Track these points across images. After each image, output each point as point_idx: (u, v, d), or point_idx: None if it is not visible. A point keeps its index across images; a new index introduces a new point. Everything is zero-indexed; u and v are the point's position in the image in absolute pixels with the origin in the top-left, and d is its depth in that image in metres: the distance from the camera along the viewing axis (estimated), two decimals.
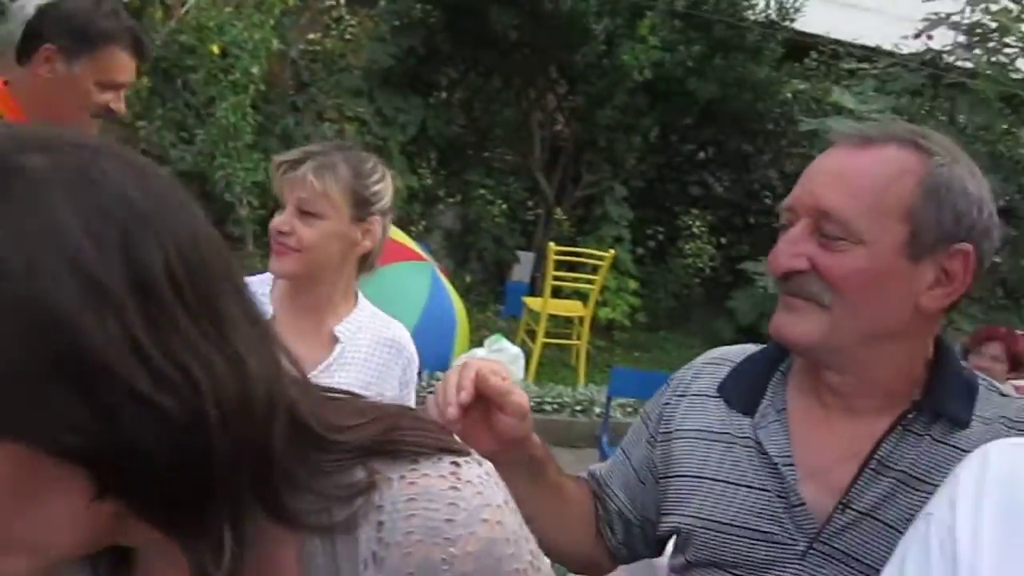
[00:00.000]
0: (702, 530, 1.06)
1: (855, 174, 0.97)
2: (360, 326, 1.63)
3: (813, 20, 7.63)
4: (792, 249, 0.98)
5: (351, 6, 7.22)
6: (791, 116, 7.86)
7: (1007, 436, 0.97)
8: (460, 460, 0.62)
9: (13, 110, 1.85)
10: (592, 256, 6.44)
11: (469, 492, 0.60)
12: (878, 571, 0.88)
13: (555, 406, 5.42)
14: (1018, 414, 1.00)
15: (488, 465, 0.65)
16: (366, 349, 1.62)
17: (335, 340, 1.60)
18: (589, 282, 6.33)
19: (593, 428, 5.17)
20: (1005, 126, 6.79)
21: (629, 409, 5.46)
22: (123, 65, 1.81)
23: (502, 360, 5.76)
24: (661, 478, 1.14)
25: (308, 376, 1.52)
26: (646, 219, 7.92)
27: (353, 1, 7.21)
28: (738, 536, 1.03)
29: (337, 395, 0.68)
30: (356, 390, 1.58)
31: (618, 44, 6.81)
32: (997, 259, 7.44)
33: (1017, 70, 6.70)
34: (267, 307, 1.60)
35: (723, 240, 8.14)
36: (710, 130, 8.07)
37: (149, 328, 0.49)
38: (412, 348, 1.72)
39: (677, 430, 1.14)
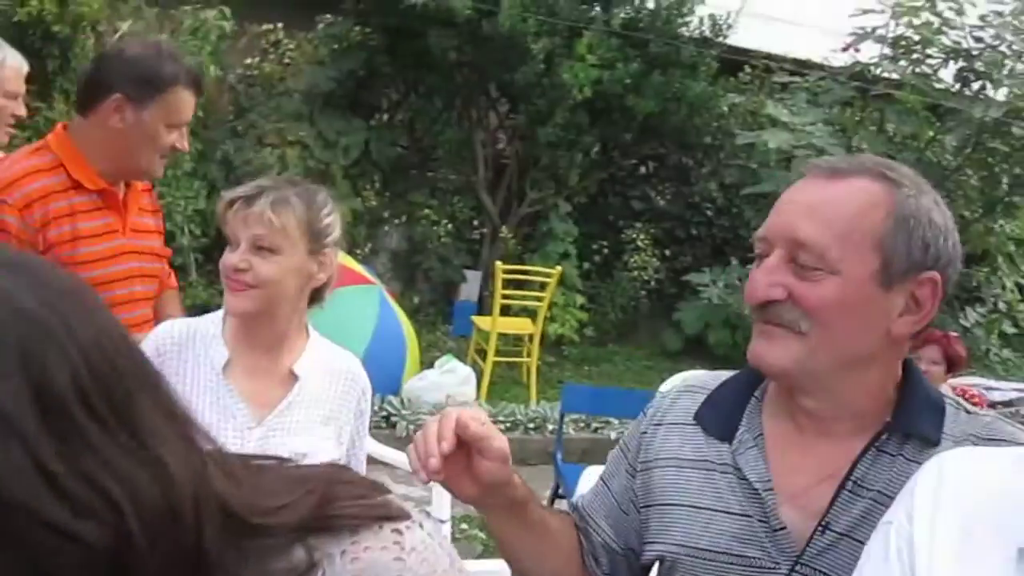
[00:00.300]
0: (687, 557, 1.07)
1: (828, 205, 1.00)
2: (315, 360, 1.62)
3: (745, 35, 7.82)
4: (769, 279, 1.00)
5: (288, 30, 7.18)
6: (728, 129, 8.03)
7: None
8: (402, 527, 0.60)
9: (70, 153, 1.87)
10: (539, 273, 6.48)
11: (415, 560, 0.59)
12: None
13: (508, 424, 5.42)
14: (984, 431, 1.04)
15: (429, 525, 0.63)
16: (322, 383, 1.61)
17: (295, 378, 1.59)
18: (537, 299, 6.36)
19: (547, 445, 5.18)
20: (931, 133, 7.03)
21: (582, 424, 5.50)
22: (188, 104, 1.88)
23: (453, 381, 5.77)
24: (642, 507, 1.15)
25: (267, 418, 1.48)
26: (591, 234, 8.00)
27: (291, 25, 7.18)
28: (722, 562, 1.05)
29: (264, 462, 0.65)
30: (315, 426, 1.56)
31: (557, 63, 6.88)
32: None
33: (940, 80, 6.96)
34: (222, 348, 1.58)
35: (667, 252, 8.25)
36: (650, 145, 8.19)
37: (59, 452, 0.45)
38: (365, 378, 1.71)
39: (656, 459, 1.15)
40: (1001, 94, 6.75)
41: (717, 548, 1.05)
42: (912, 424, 1.03)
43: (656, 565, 1.14)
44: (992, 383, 7.58)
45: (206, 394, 1.54)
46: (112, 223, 1.93)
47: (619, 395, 5.19)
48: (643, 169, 8.60)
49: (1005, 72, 6.64)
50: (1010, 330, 8.70)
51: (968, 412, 1.07)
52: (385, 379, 5.36)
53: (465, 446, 0.99)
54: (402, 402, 5.34)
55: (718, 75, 7.79)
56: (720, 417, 1.12)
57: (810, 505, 1.02)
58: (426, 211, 7.65)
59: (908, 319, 1.01)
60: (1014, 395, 7.62)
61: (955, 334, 4.14)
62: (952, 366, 3.93)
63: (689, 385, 1.20)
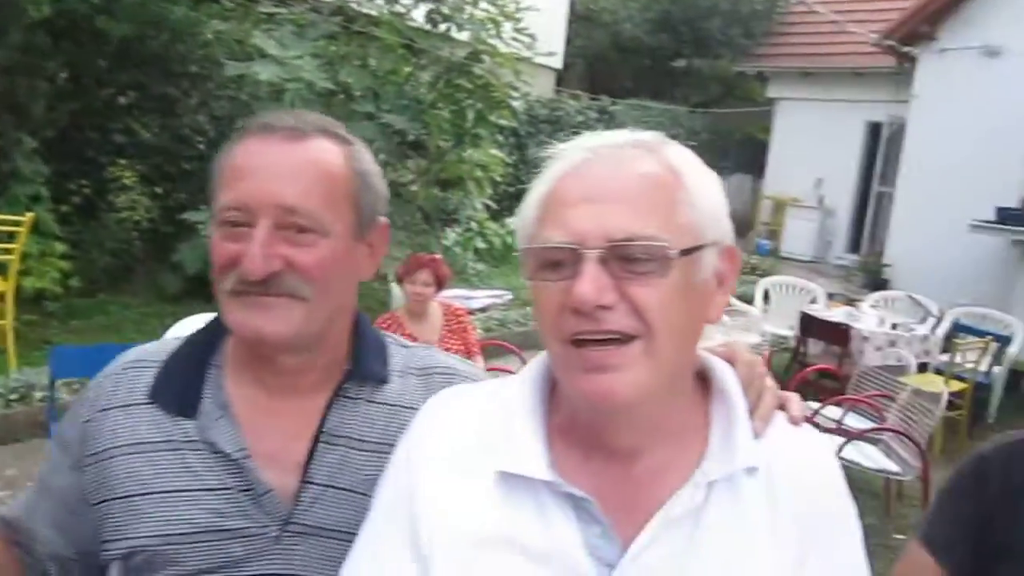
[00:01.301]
0: (167, 547, 1.00)
1: (305, 168, 1.00)
2: None
3: None
4: (266, 252, 0.97)
5: None
6: (215, 59, 7.70)
7: (421, 383, 1.12)
8: None
9: None
10: (6, 222, 5.61)
11: None
12: (348, 535, 0.96)
13: None
14: (421, 362, 1.15)
15: None
16: None
17: None
18: (6, 251, 5.51)
19: (36, 416, 4.60)
20: (408, 69, 7.56)
21: (77, 386, 4.96)
22: None
23: None
24: (98, 503, 1.04)
25: None
26: (66, 173, 7.13)
27: None
28: (208, 541, 1.00)
29: None
30: None
31: None
32: (414, 188, 8.37)
33: (414, 20, 7.49)
34: None
35: (158, 190, 7.73)
36: (130, 73, 7.49)
37: None
38: None
39: (109, 448, 1.04)
40: (465, 36, 7.51)
41: (199, 528, 1.00)
42: (366, 367, 1.10)
43: (119, 562, 1.04)
44: (470, 293, 8.65)
45: None
46: None
47: (117, 350, 4.77)
48: (123, 99, 7.85)
49: (466, 16, 7.39)
50: (481, 245, 9.95)
51: (404, 347, 1.17)
52: None
53: None
54: None
55: (200, 0, 7.38)
56: (178, 392, 1.06)
57: (291, 464, 1.03)
58: None
59: (367, 263, 1.09)
60: (488, 301, 8.80)
61: (439, 256, 4.60)
62: (440, 285, 4.39)
63: (132, 362, 1.11)
